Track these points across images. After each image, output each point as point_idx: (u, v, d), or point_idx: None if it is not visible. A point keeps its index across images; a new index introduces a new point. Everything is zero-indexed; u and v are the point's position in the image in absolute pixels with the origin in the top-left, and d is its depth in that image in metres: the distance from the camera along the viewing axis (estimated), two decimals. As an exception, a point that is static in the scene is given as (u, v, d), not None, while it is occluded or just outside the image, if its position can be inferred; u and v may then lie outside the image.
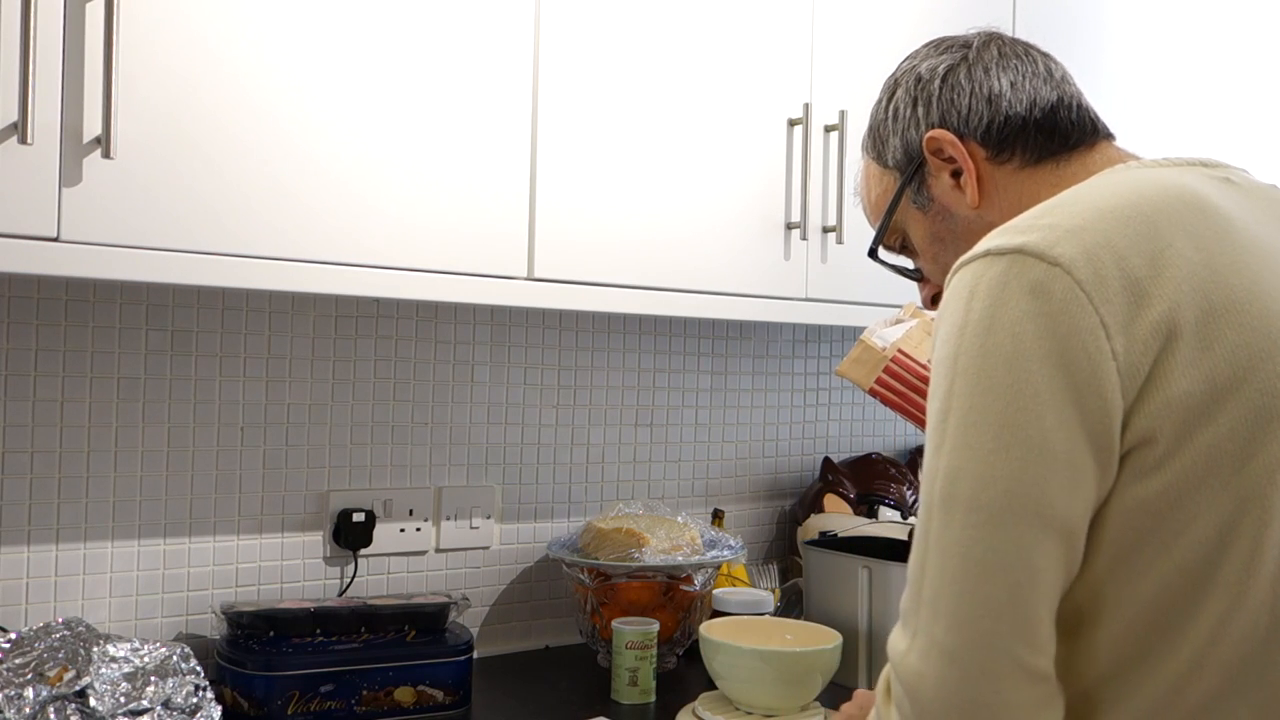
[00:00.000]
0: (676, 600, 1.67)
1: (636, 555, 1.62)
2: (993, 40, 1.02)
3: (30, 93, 1.06)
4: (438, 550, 1.72)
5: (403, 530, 1.68)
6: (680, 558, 1.64)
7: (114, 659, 1.18)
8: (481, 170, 1.37)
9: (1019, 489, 0.74)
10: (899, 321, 1.31)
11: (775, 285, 1.62)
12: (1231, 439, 0.74)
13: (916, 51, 1.06)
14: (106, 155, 1.10)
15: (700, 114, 1.55)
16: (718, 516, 1.95)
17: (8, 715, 1.10)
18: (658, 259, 1.51)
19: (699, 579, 1.66)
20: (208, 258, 1.19)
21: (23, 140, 1.06)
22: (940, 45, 1.04)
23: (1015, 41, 1.03)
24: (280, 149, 1.23)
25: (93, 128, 1.11)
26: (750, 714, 1.41)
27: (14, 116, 1.07)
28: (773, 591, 1.83)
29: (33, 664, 1.17)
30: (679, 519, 1.74)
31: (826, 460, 2.08)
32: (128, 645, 1.20)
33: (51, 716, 1.12)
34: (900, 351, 1.23)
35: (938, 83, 1.01)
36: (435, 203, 1.33)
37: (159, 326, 1.50)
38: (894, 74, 1.06)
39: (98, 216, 1.12)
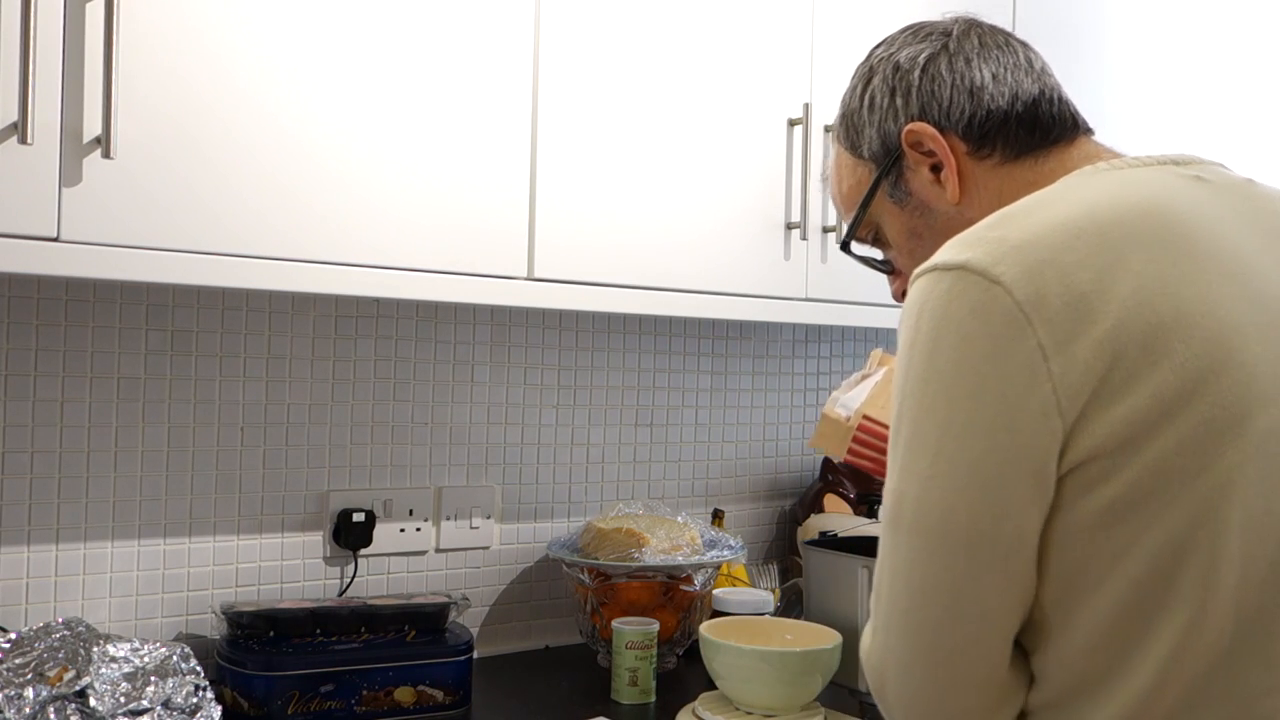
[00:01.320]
0: (676, 600, 1.67)
1: (636, 555, 1.62)
2: (973, 28, 0.99)
3: (30, 93, 1.06)
4: (438, 550, 1.72)
5: (403, 530, 1.68)
6: (680, 558, 1.64)
7: (114, 659, 1.18)
8: (481, 170, 1.37)
9: (951, 516, 0.76)
10: (865, 377, 1.22)
11: (775, 285, 1.62)
12: (1180, 453, 0.73)
13: (893, 37, 1.02)
14: (106, 155, 1.10)
15: (700, 114, 1.55)
16: (718, 516, 1.95)
17: (8, 715, 1.10)
18: (658, 259, 1.51)
19: (699, 579, 1.66)
20: (208, 258, 1.19)
21: (23, 140, 1.05)
22: (918, 32, 1.00)
23: (995, 30, 1.00)
24: (280, 149, 1.23)
25: (93, 128, 1.11)
26: (750, 714, 1.41)
27: (14, 116, 1.07)
28: (773, 591, 1.83)
29: (33, 664, 1.17)
30: (679, 519, 1.74)
31: (826, 460, 2.08)
32: (128, 645, 1.20)
33: (51, 716, 1.12)
34: (865, 417, 1.15)
35: (917, 73, 0.97)
36: (435, 203, 1.33)
37: (159, 326, 1.50)
38: (868, 60, 1.02)
39: (98, 216, 1.12)
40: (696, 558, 1.66)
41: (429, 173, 1.33)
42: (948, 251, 0.78)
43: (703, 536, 1.72)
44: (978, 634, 0.77)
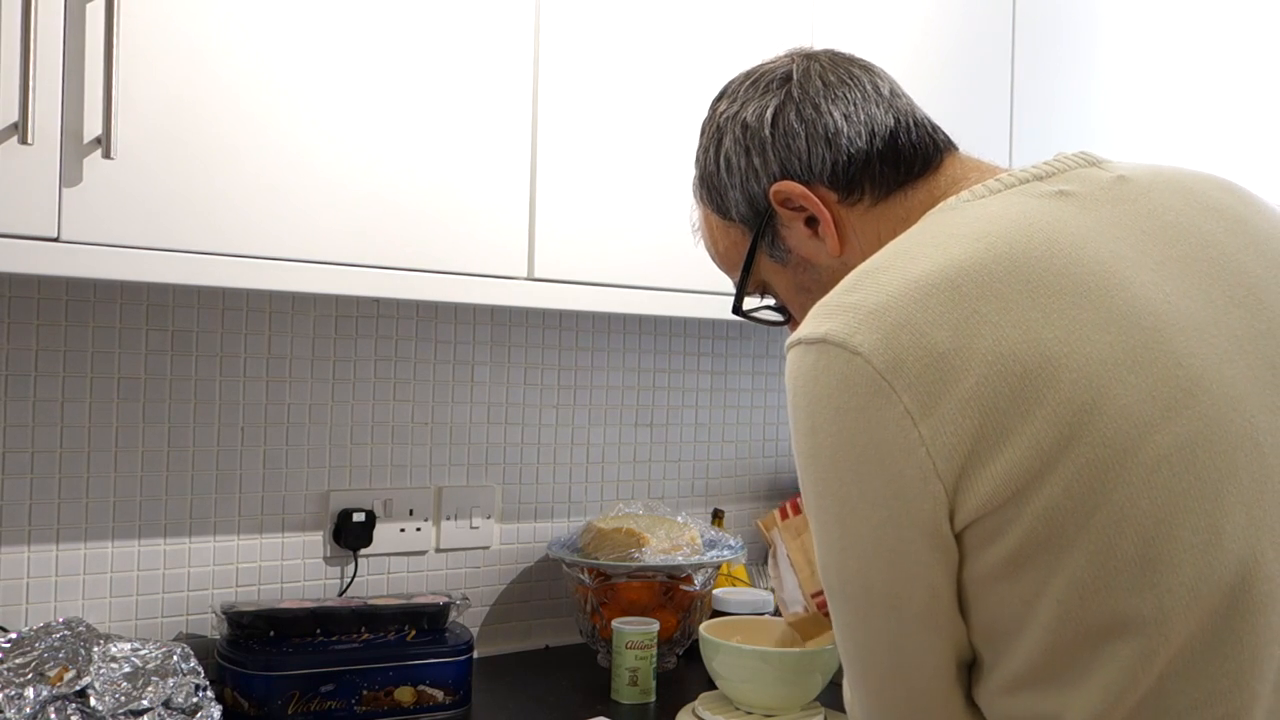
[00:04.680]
0: (676, 600, 1.67)
1: (636, 555, 1.62)
2: (812, 66, 0.96)
3: (30, 93, 1.06)
4: (438, 550, 1.72)
5: (403, 530, 1.68)
6: (680, 558, 1.64)
7: (114, 659, 1.18)
8: (481, 170, 1.37)
9: (865, 583, 0.77)
10: (773, 555, 1.18)
11: (775, 285, 1.62)
12: (1068, 497, 0.71)
13: (733, 89, 0.98)
14: (106, 155, 1.10)
15: (700, 114, 1.54)
16: (718, 516, 1.95)
17: (8, 715, 1.11)
18: (658, 259, 1.51)
19: (699, 579, 1.66)
20: (208, 258, 1.19)
21: (23, 140, 1.06)
22: (758, 82, 0.96)
23: (834, 63, 0.96)
24: (280, 149, 1.23)
25: (93, 128, 1.11)
26: (750, 714, 1.41)
27: (14, 116, 1.07)
28: (773, 591, 1.83)
29: (33, 664, 1.17)
30: (679, 519, 1.74)
31: (826, 460, 2.08)
32: (128, 645, 1.20)
33: (52, 716, 1.12)
34: (812, 597, 1.14)
35: (768, 130, 0.94)
36: (435, 203, 1.33)
37: (159, 326, 1.50)
38: (714, 118, 0.99)
39: (98, 216, 1.12)
40: (696, 558, 1.66)
41: (429, 172, 1.33)
42: (811, 323, 0.78)
43: (703, 536, 1.72)
44: (926, 684, 0.79)
